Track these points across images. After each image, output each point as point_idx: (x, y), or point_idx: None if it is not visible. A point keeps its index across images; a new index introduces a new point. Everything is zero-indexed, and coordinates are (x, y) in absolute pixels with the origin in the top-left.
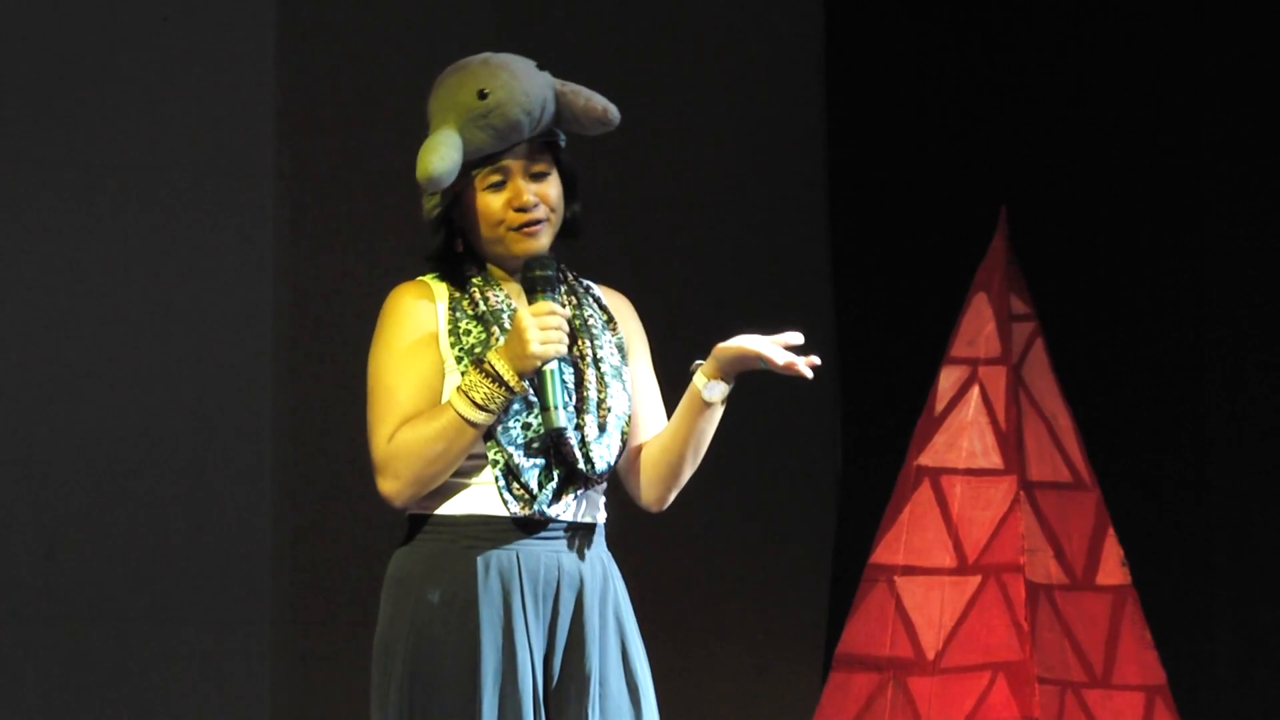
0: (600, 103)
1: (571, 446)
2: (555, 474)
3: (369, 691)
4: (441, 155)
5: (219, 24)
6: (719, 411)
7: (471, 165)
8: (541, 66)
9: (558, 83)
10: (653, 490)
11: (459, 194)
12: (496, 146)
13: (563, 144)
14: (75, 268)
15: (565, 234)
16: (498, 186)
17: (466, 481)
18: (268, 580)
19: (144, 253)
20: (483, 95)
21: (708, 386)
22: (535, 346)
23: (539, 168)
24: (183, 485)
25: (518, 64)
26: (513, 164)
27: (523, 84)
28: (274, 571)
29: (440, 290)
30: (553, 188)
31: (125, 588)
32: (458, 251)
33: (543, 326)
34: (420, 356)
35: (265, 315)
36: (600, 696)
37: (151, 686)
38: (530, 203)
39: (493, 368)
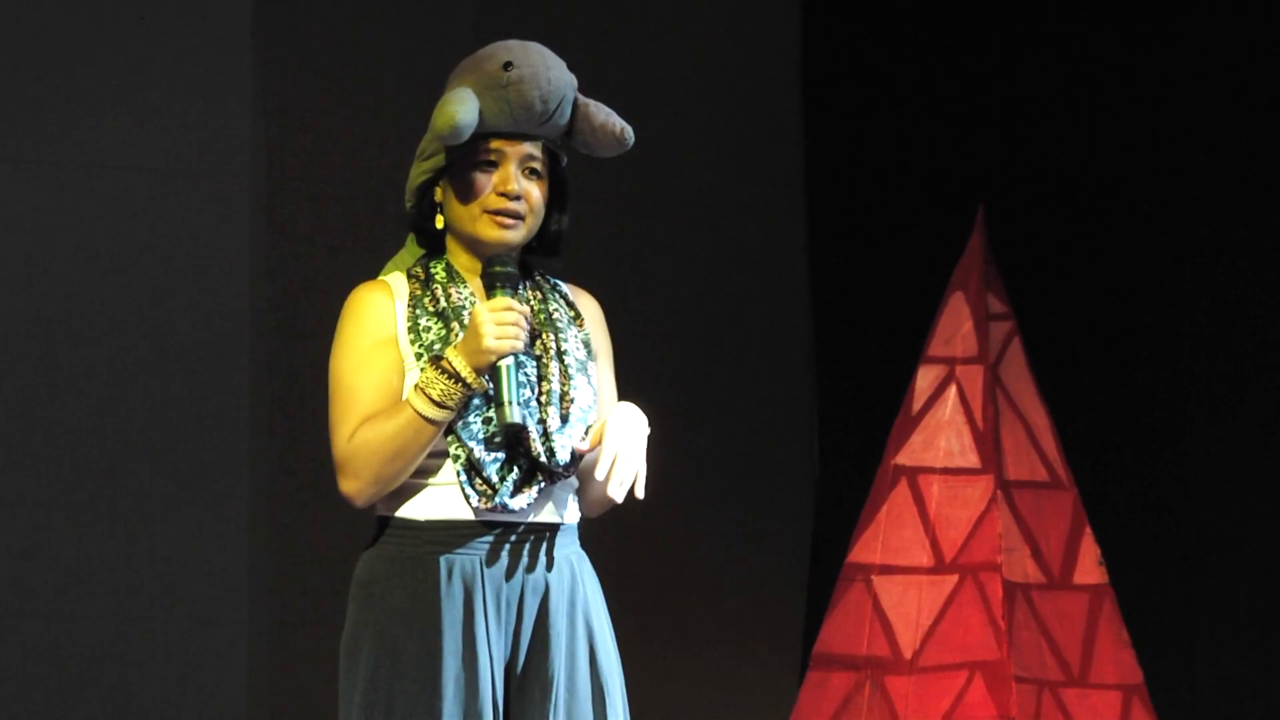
0: (619, 122)
1: (533, 439)
2: (516, 467)
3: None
4: (467, 108)
5: (195, 23)
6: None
7: (474, 137)
8: (572, 69)
9: (581, 95)
10: (590, 503)
11: (449, 165)
12: (504, 125)
13: (564, 162)
14: (51, 266)
15: (545, 248)
16: (490, 166)
17: (430, 483)
18: (245, 579)
19: (120, 251)
20: (508, 67)
21: None
22: (490, 341)
23: (535, 165)
24: (160, 484)
25: (550, 55)
26: (511, 150)
27: (549, 72)
28: (251, 571)
29: (400, 288)
30: (541, 190)
31: (102, 587)
32: (437, 228)
33: (499, 322)
34: (380, 355)
35: (242, 314)
36: (564, 701)
37: (129, 685)
38: (515, 192)
39: (450, 364)
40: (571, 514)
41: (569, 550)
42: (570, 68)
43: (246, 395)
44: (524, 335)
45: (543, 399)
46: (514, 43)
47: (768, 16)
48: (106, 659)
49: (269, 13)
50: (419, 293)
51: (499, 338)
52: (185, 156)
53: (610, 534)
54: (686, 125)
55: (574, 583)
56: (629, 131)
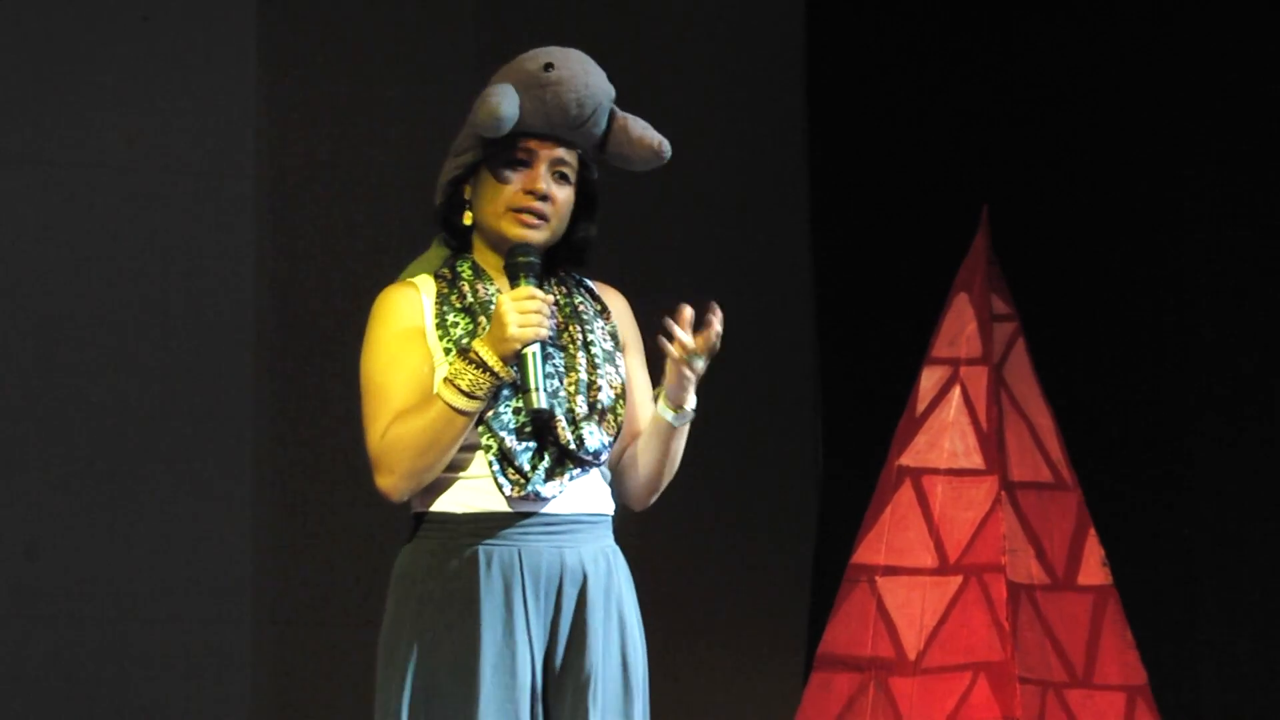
0: (656, 136)
1: (562, 427)
2: (547, 455)
3: (345, 687)
4: (509, 101)
5: (199, 23)
6: (686, 427)
7: (508, 135)
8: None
9: (618, 109)
10: (633, 494)
11: (480, 162)
12: (539, 125)
13: (594, 175)
14: (55, 265)
15: (571, 257)
16: (521, 165)
17: (465, 476)
18: (248, 579)
19: (125, 250)
20: (548, 68)
21: (676, 415)
22: (514, 329)
23: (565, 170)
24: (163, 484)
25: (591, 63)
26: (543, 152)
27: (588, 78)
28: (254, 571)
29: (427, 287)
30: (567, 194)
31: (105, 587)
32: (465, 224)
33: (522, 310)
34: (410, 352)
35: (246, 314)
36: (600, 692)
37: (131, 686)
38: (542, 192)
39: (477, 355)
40: (606, 506)
41: (604, 543)
42: None
43: (250, 396)
44: (548, 322)
45: (571, 388)
46: (556, 48)
47: (772, 17)
48: (109, 660)
49: (273, 13)
50: (446, 290)
51: (523, 325)
52: (190, 156)
53: (615, 534)
54: (690, 126)
55: (610, 574)
56: (666, 145)
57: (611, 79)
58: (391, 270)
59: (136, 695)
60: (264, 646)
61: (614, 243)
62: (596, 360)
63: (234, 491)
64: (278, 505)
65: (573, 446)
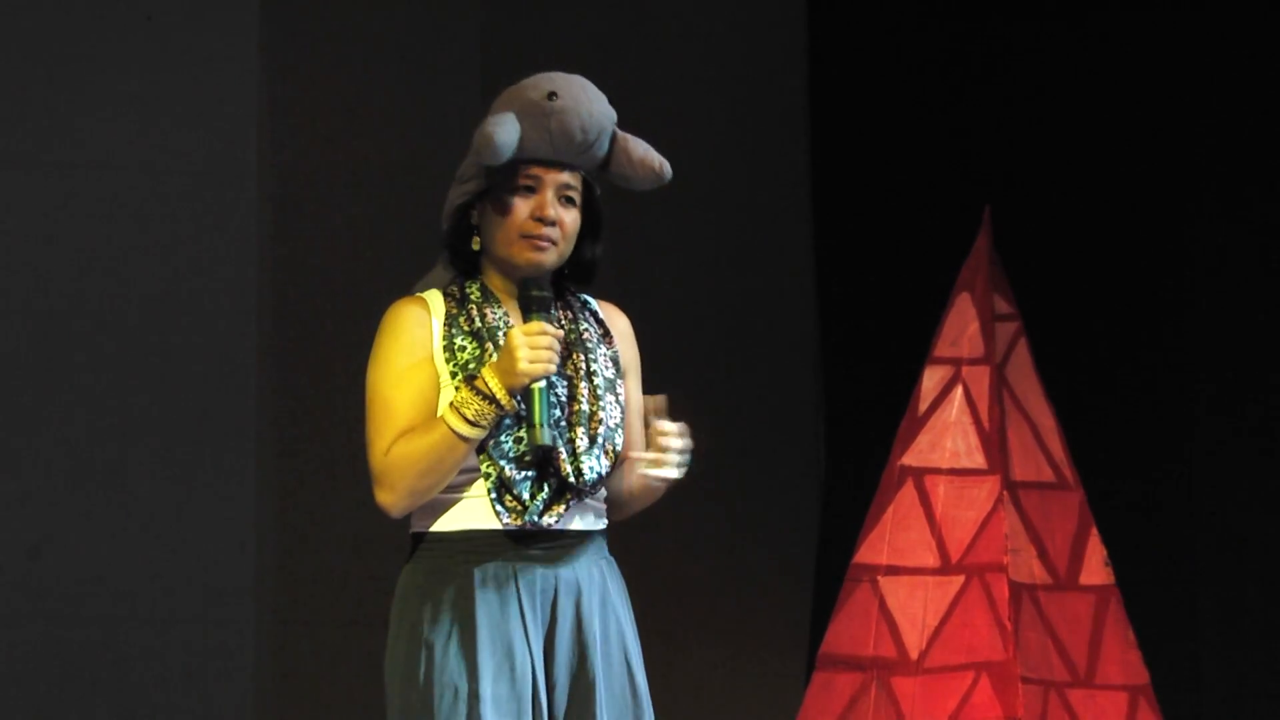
0: (657, 157)
1: (562, 459)
2: (546, 486)
3: (345, 687)
4: (508, 129)
5: (202, 24)
6: None
7: (513, 162)
8: (577, 68)
9: (619, 131)
10: (613, 511)
11: (488, 189)
12: (543, 152)
13: (598, 192)
14: (56, 265)
15: (578, 276)
16: (528, 191)
17: (462, 497)
18: (250, 581)
19: (125, 250)
20: (551, 96)
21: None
22: (524, 365)
23: (571, 194)
24: (167, 485)
25: (592, 89)
26: (549, 177)
27: (590, 105)
28: (257, 572)
29: (437, 306)
30: (574, 216)
31: (109, 587)
32: (473, 250)
33: (533, 346)
34: (417, 370)
35: (249, 316)
36: (605, 702)
37: (134, 686)
38: (550, 218)
39: (485, 385)
40: (599, 523)
41: (599, 555)
42: (575, 67)
43: (251, 396)
44: (556, 359)
45: (572, 419)
46: (558, 74)
47: (774, 17)
48: (111, 660)
49: (276, 13)
50: (455, 311)
51: (532, 361)
52: (191, 156)
53: (615, 535)
54: (692, 127)
55: (604, 585)
56: (667, 166)
57: (613, 81)
58: (392, 271)
59: (136, 695)
60: (264, 646)
61: (616, 244)
62: (599, 390)
63: (234, 492)
64: (278, 506)
65: (573, 479)
